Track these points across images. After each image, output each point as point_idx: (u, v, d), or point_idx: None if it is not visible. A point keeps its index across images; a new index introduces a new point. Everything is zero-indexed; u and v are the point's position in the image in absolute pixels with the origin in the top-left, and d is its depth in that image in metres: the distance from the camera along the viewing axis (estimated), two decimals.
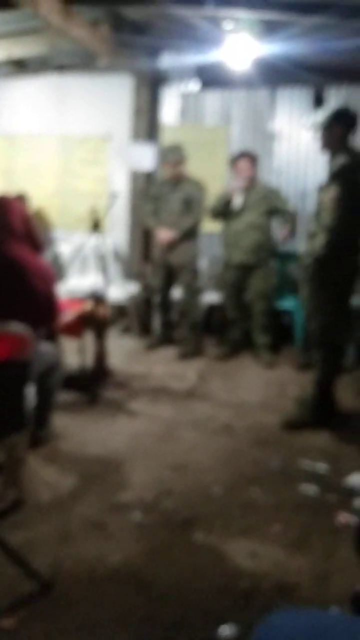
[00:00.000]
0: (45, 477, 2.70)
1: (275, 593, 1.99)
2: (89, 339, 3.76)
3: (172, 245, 4.50)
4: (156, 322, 4.92)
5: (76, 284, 4.88)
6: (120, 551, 2.19)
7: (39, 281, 2.71)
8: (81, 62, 4.86)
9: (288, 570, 2.12)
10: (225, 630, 1.80)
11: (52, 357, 2.94)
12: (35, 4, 3.22)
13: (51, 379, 2.90)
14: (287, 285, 4.76)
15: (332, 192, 3.04)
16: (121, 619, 1.85)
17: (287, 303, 4.78)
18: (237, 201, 4.37)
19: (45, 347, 2.89)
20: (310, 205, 4.87)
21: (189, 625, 1.83)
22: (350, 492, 2.61)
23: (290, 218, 4.41)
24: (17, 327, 2.35)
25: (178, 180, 4.51)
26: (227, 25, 3.77)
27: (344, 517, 2.43)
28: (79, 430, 3.21)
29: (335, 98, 5.02)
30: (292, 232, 4.37)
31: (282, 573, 2.10)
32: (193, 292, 4.61)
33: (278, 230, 4.46)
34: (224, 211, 4.41)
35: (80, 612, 1.87)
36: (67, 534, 2.28)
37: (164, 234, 4.50)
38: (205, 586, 2.02)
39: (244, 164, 4.38)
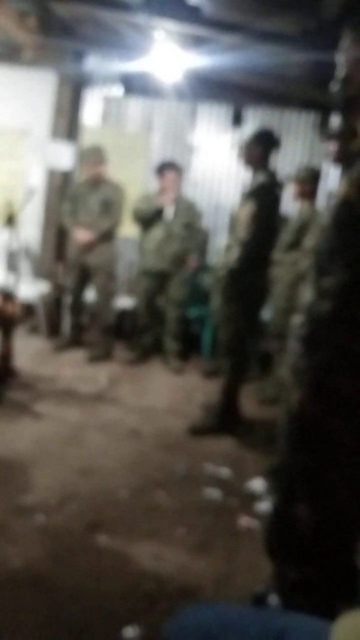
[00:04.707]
0: None
1: (178, 595, 2.02)
2: None
3: (89, 247, 4.47)
4: (66, 323, 4.85)
5: None
6: (22, 555, 2.14)
7: None
8: (5, 52, 4.72)
9: (191, 573, 2.17)
10: (129, 632, 1.80)
11: None
12: None
13: None
14: (196, 295, 4.87)
15: (249, 209, 3.16)
16: (22, 623, 1.80)
17: (197, 312, 4.89)
18: (169, 212, 4.45)
19: None
20: (222, 218, 5.06)
21: (93, 628, 1.82)
22: (252, 496, 2.71)
23: (200, 243, 4.66)
24: None
25: (97, 181, 4.50)
26: (156, 35, 3.83)
27: (245, 521, 2.52)
28: None
29: (253, 118, 5.23)
30: (200, 260, 4.68)
31: (185, 575, 2.15)
32: (107, 294, 4.60)
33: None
34: (152, 219, 4.45)
35: None
36: None
37: (81, 235, 4.46)
38: (109, 589, 2.02)
39: (172, 177, 4.45)
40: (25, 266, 5.09)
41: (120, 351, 4.75)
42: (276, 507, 1.60)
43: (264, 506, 2.55)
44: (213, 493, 2.74)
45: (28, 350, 4.48)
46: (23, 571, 2.05)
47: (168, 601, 1.98)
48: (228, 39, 3.76)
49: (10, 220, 3.71)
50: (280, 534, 1.54)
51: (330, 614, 1.00)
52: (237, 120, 5.24)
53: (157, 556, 2.23)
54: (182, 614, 1.18)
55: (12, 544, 2.19)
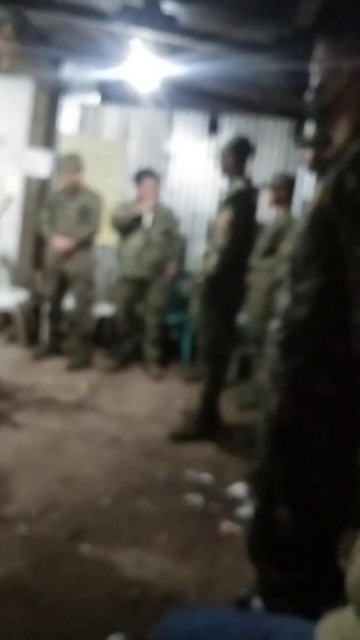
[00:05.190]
0: None
1: (162, 601, 2.03)
2: None
3: (67, 254, 4.46)
4: (44, 332, 4.82)
5: None
6: (5, 565, 2.12)
7: None
8: None
9: (174, 579, 2.17)
10: (114, 639, 1.80)
11: None
12: None
13: None
14: (175, 302, 4.90)
15: (227, 216, 3.20)
16: (6, 633, 1.79)
17: (176, 318, 4.91)
18: (148, 219, 4.47)
19: None
20: (199, 225, 5.10)
21: (78, 637, 1.81)
22: (233, 501, 2.73)
23: (178, 250, 4.73)
24: None
25: (75, 189, 4.50)
26: (132, 44, 3.85)
27: (227, 526, 2.53)
28: None
29: (229, 126, 5.29)
30: (179, 267, 4.77)
31: (169, 581, 2.15)
32: (86, 302, 4.59)
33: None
34: (130, 227, 4.46)
35: None
36: None
37: (59, 243, 4.45)
38: (93, 597, 2.01)
39: (150, 184, 4.47)
40: (2, 274, 5.07)
41: (100, 359, 4.74)
42: (257, 511, 1.61)
43: (246, 511, 2.57)
44: (195, 499, 2.75)
45: (6, 360, 4.45)
46: (6, 581, 2.03)
47: (152, 607, 1.98)
48: (204, 47, 3.80)
49: None
50: (262, 538, 1.56)
51: (314, 615, 1.02)
52: (213, 128, 5.30)
53: (140, 563, 2.24)
54: (169, 619, 1.18)
55: None
